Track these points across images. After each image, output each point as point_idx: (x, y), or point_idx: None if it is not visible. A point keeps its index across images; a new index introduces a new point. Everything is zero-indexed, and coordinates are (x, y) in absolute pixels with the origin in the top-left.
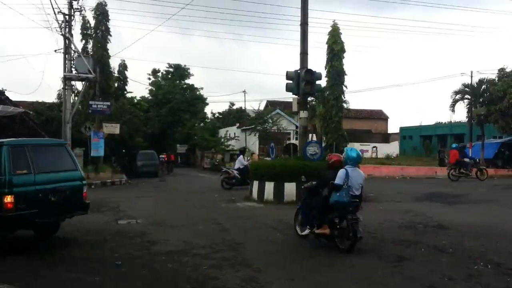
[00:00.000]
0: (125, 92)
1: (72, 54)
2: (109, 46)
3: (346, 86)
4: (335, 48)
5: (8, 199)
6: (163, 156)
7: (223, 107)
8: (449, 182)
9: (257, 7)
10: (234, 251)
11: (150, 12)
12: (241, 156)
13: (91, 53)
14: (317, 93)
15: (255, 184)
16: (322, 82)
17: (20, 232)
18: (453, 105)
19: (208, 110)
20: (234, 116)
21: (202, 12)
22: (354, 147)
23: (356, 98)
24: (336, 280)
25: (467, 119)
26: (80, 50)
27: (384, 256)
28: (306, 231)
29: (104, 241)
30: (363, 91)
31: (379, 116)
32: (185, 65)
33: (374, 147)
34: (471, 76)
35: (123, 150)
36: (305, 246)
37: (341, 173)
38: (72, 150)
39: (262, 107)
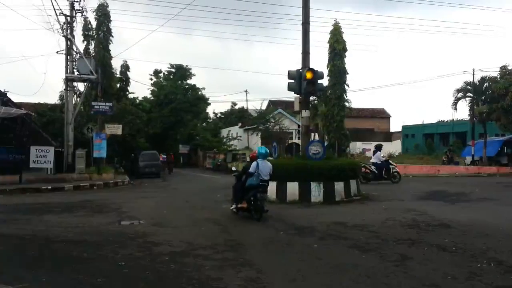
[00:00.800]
0: (127, 92)
1: (74, 55)
2: (111, 47)
3: (348, 85)
4: (337, 47)
5: None
6: (165, 156)
7: (225, 107)
8: (451, 180)
9: (259, 7)
10: (235, 252)
11: (152, 13)
12: (378, 152)
13: (93, 54)
14: (319, 92)
15: None
16: (324, 81)
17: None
18: (455, 103)
19: (210, 110)
20: (236, 116)
21: (204, 12)
22: (263, 146)
23: (358, 97)
24: (338, 280)
25: (469, 117)
26: (81, 51)
27: (386, 255)
28: (234, 206)
29: (106, 242)
30: (365, 89)
31: (381, 115)
32: (186, 66)
33: None
34: (473, 74)
35: (132, 154)
36: (307, 246)
37: (253, 164)
38: (74, 151)
39: (264, 107)
